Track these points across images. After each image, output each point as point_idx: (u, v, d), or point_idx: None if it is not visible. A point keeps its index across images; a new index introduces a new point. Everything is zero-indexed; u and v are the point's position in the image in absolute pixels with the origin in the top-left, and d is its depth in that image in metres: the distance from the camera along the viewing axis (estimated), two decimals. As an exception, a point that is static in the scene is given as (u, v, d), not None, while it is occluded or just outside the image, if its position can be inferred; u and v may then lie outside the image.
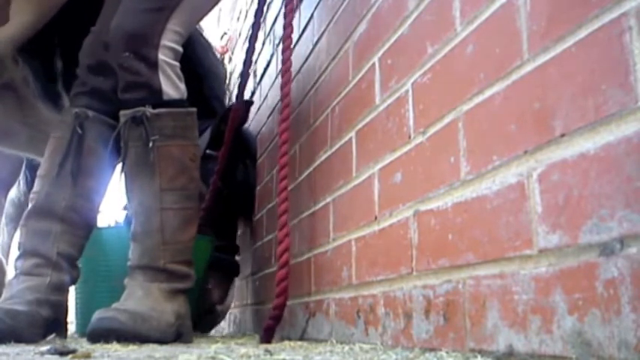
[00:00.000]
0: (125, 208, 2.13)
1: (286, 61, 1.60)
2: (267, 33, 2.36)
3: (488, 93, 0.82)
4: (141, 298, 1.45)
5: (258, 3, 2.00)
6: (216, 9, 1.94)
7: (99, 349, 1.15)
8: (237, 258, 2.32)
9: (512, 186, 0.75)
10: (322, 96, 1.53)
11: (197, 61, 2.19)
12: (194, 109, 1.60)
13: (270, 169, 2.05)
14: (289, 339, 1.51)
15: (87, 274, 1.75)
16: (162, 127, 1.53)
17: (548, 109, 0.70)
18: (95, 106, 1.69)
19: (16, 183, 2.66)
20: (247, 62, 2.07)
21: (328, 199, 1.40)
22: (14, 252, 2.23)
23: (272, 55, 2.23)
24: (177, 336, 1.48)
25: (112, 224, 2.15)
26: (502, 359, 0.73)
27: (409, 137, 1.03)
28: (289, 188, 1.70)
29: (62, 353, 1.00)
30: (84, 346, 1.26)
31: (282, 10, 1.88)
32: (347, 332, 1.22)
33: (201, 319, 2.05)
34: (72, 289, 1.79)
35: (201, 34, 2.38)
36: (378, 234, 1.13)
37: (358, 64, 1.30)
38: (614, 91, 0.60)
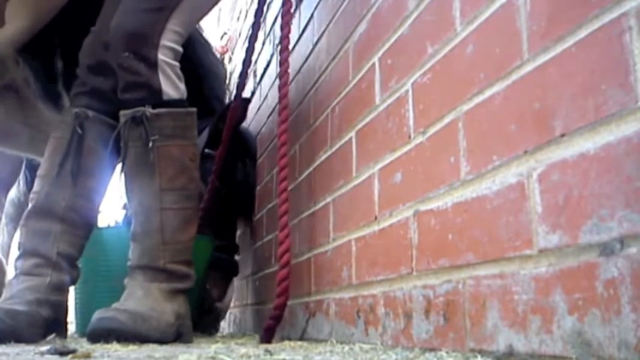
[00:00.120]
0: (125, 207, 2.13)
1: (284, 63, 1.60)
2: (267, 33, 2.36)
3: (488, 93, 0.82)
4: (141, 298, 1.45)
5: (258, 3, 1.99)
6: (216, 9, 1.94)
7: (99, 349, 1.15)
8: (237, 257, 2.32)
9: (512, 186, 0.75)
10: (322, 96, 1.53)
11: (197, 61, 2.19)
12: (194, 109, 1.60)
13: (270, 169, 2.05)
14: (289, 339, 1.51)
15: (87, 274, 1.75)
16: (162, 127, 1.53)
17: (548, 109, 0.70)
18: (95, 106, 1.69)
19: (16, 183, 2.66)
20: (247, 62, 2.07)
21: (328, 199, 1.40)
22: (14, 252, 2.23)
23: (272, 55, 2.23)
24: (177, 336, 1.48)
25: (112, 224, 2.15)
26: (502, 359, 0.73)
27: (409, 137, 1.03)
28: (289, 188, 1.70)
29: (62, 353, 1.00)
30: (84, 346, 1.26)
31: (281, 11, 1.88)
32: (347, 332, 1.22)
33: (201, 319, 2.04)
34: (71, 289, 1.79)
35: (201, 34, 2.38)
36: (378, 234, 1.13)
37: (358, 64, 1.30)
38: (614, 91, 0.60)
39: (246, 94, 2.67)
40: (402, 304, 1.00)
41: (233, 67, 3.23)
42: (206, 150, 2.14)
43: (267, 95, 2.26)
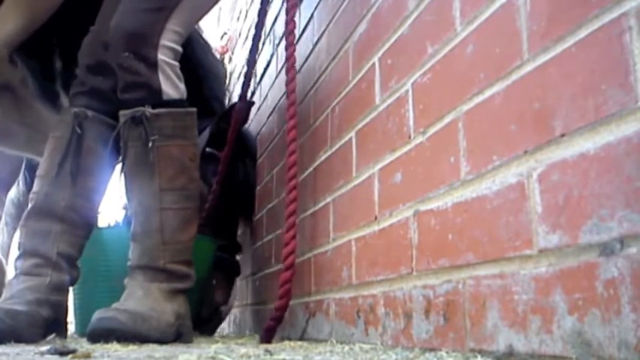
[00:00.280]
0: (125, 207, 2.13)
1: (290, 58, 1.57)
2: (267, 33, 2.36)
3: (488, 93, 0.82)
4: (141, 298, 1.45)
5: (261, 3, 1.99)
6: (216, 9, 1.93)
7: (99, 349, 1.15)
8: (238, 257, 2.32)
9: (512, 186, 0.75)
10: (322, 96, 1.53)
11: (197, 62, 2.19)
12: (194, 109, 1.59)
13: (271, 169, 2.05)
14: (289, 339, 1.51)
15: (87, 274, 1.75)
16: (162, 127, 1.53)
17: (548, 109, 0.70)
18: (94, 105, 1.69)
19: (16, 183, 2.66)
20: (251, 62, 2.06)
21: (328, 199, 1.40)
22: (14, 252, 2.23)
23: (272, 55, 2.23)
24: (177, 336, 1.48)
25: (112, 224, 2.15)
26: (502, 359, 0.73)
27: (409, 137, 1.03)
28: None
29: (62, 353, 1.00)
30: (84, 346, 1.26)
31: (283, 8, 1.88)
32: (347, 332, 1.22)
33: (207, 321, 2.05)
34: (71, 289, 1.79)
35: (201, 35, 2.38)
36: (378, 234, 1.13)
37: (358, 64, 1.30)
38: (614, 91, 0.60)
39: (247, 94, 2.67)
40: (402, 304, 1.00)
41: (233, 67, 3.23)
42: (207, 149, 2.14)
43: (267, 95, 2.26)
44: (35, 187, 1.64)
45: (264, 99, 2.30)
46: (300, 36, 1.79)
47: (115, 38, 1.57)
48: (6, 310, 1.43)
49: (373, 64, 1.22)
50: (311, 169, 1.56)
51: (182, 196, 1.55)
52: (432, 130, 0.96)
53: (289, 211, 1.43)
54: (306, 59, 1.70)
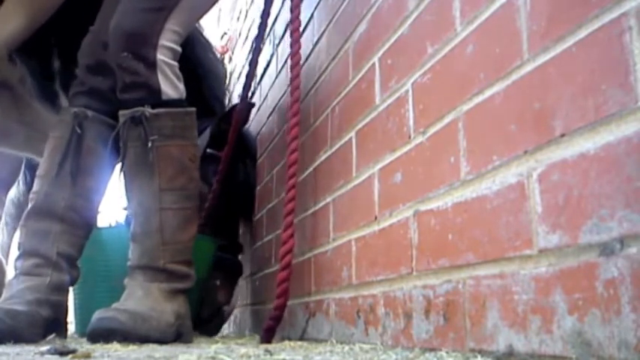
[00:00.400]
0: (126, 208, 2.13)
1: (295, 55, 1.57)
2: (267, 33, 2.36)
3: (488, 93, 0.82)
4: (141, 298, 1.45)
5: (265, 4, 1.98)
6: (216, 9, 1.93)
7: (99, 349, 1.15)
8: (240, 258, 2.32)
9: (512, 186, 0.75)
10: (322, 96, 1.53)
11: (196, 61, 2.19)
12: (193, 109, 1.59)
13: (271, 169, 2.05)
14: (289, 339, 1.51)
15: (86, 274, 1.75)
16: (162, 127, 1.53)
17: (548, 109, 0.70)
18: (94, 105, 1.69)
19: (16, 183, 2.66)
20: (253, 63, 2.05)
21: (328, 199, 1.40)
22: (14, 252, 2.23)
23: (272, 55, 2.23)
24: (177, 336, 1.48)
25: (112, 224, 2.15)
26: (502, 359, 0.73)
27: (409, 137, 1.03)
28: (289, 188, 1.70)
29: (62, 353, 1.00)
30: (84, 346, 1.26)
31: (283, 8, 1.88)
32: (347, 332, 1.22)
33: (209, 321, 2.05)
34: (71, 289, 1.79)
35: (201, 34, 2.38)
36: (378, 234, 1.13)
37: (358, 64, 1.30)
38: (614, 91, 0.60)
39: (248, 95, 2.67)
40: (402, 304, 1.00)
41: (233, 67, 3.23)
42: (208, 150, 2.15)
43: (267, 95, 2.26)
44: (35, 187, 1.64)
45: (264, 99, 2.30)
46: (300, 36, 1.79)
47: (114, 38, 1.57)
48: (6, 310, 1.43)
49: (373, 64, 1.22)
50: (311, 168, 1.56)
51: (182, 196, 1.55)
52: (432, 130, 0.96)
53: (287, 210, 1.43)
54: (306, 59, 1.70)
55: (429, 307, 0.92)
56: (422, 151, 0.99)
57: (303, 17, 1.77)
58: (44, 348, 1.09)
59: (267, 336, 1.41)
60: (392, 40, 1.14)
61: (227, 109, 2.30)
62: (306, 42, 1.73)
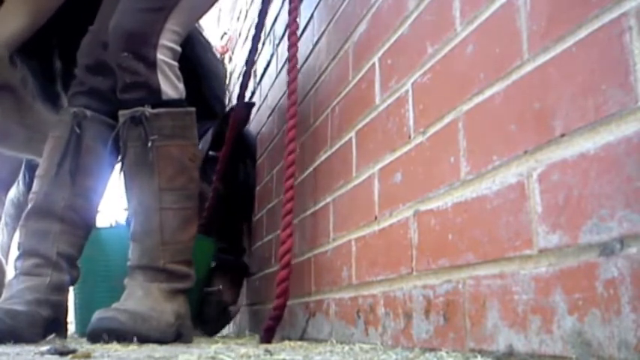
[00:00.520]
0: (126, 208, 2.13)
1: (292, 58, 1.58)
2: (267, 33, 2.36)
3: (488, 93, 0.82)
4: (141, 298, 1.45)
5: (262, 3, 1.99)
6: (216, 9, 1.93)
7: (99, 349, 1.15)
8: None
9: (512, 186, 0.75)
10: (322, 96, 1.53)
11: (196, 61, 2.19)
12: (193, 109, 1.60)
13: (271, 169, 2.05)
14: (289, 339, 1.51)
15: (86, 274, 1.75)
16: (161, 127, 1.53)
17: (548, 109, 0.70)
18: (94, 105, 1.69)
19: (16, 183, 2.66)
20: (250, 63, 2.07)
21: (328, 199, 1.40)
22: (14, 252, 2.24)
23: (272, 55, 2.23)
24: (177, 336, 1.48)
25: (113, 224, 2.15)
26: (502, 359, 0.73)
27: (409, 137, 1.03)
28: (289, 188, 1.70)
29: (62, 353, 1.00)
30: (84, 346, 1.26)
31: (283, 9, 1.88)
32: (347, 332, 1.22)
33: (215, 321, 2.07)
34: (71, 289, 1.79)
35: (201, 34, 2.38)
36: (378, 234, 1.13)
37: (358, 64, 1.30)
38: (614, 91, 0.60)
39: (247, 94, 2.67)
40: (402, 304, 1.00)
41: (233, 67, 3.23)
42: (210, 152, 2.16)
43: (267, 95, 2.26)
44: (35, 187, 1.64)
45: (264, 99, 2.30)
46: (300, 36, 1.79)
47: (114, 38, 1.57)
48: (6, 310, 1.43)
49: (373, 64, 1.22)
50: (311, 168, 1.56)
51: (182, 196, 1.55)
52: (432, 130, 0.96)
53: (286, 210, 1.44)
54: (306, 59, 1.70)
55: (429, 307, 0.92)
56: (422, 151, 0.99)
57: (303, 17, 1.77)
58: (44, 348, 1.09)
59: (267, 336, 1.41)
60: (392, 40, 1.14)
61: (227, 109, 2.30)
62: (306, 42, 1.73)
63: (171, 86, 1.56)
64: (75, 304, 1.96)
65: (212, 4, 1.71)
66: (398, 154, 1.07)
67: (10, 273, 2.09)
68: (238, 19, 3.24)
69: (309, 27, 1.71)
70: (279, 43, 2.11)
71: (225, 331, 2.68)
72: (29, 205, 1.62)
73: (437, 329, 0.89)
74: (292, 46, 1.59)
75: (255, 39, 2.03)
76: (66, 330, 1.65)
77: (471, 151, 0.85)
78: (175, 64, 1.58)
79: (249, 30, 2.77)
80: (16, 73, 2.05)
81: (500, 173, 0.78)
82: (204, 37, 2.41)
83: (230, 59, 3.33)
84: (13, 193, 2.68)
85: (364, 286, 1.16)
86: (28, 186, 2.49)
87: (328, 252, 1.37)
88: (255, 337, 1.70)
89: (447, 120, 0.92)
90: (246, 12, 2.92)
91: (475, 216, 0.82)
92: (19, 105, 2.12)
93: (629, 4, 0.59)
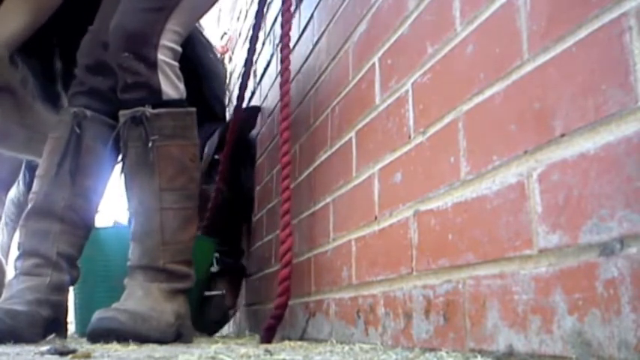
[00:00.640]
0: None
1: (285, 60, 1.60)
2: (267, 33, 2.36)
3: (488, 93, 0.82)
4: (141, 298, 1.45)
5: (259, 4, 2.00)
6: (216, 9, 1.94)
7: (99, 349, 1.15)
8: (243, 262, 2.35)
9: (512, 186, 0.75)
10: (322, 96, 1.53)
11: (197, 61, 2.20)
12: (193, 109, 1.60)
13: (270, 169, 2.05)
14: (289, 339, 1.51)
15: (86, 274, 1.75)
16: (162, 127, 1.53)
17: (548, 109, 0.70)
18: (94, 105, 1.69)
19: (16, 183, 2.66)
20: (248, 63, 2.08)
21: (328, 199, 1.40)
22: (14, 252, 2.24)
23: (272, 55, 2.23)
24: (177, 336, 1.48)
25: (113, 224, 2.15)
26: (502, 359, 0.73)
27: (409, 137, 1.03)
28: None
29: (62, 353, 1.00)
30: (84, 346, 1.26)
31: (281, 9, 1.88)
32: (347, 332, 1.22)
33: (218, 324, 2.10)
34: (71, 289, 1.79)
35: (202, 33, 2.38)
36: (378, 234, 1.13)
37: (358, 64, 1.30)
38: (614, 91, 0.60)
39: (246, 94, 2.67)
40: (402, 304, 1.00)
41: (233, 67, 3.23)
42: (216, 156, 2.18)
43: (267, 95, 2.26)
44: (35, 187, 1.64)
45: (264, 99, 2.30)
46: (300, 36, 1.79)
47: (114, 38, 1.57)
48: (6, 310, 1.43)
49: (373, 64, 1.22)
50: (311, 169, 1.56)
51: (182, 196, 1.55)
52: (432, 130, 0.96)
53: (283, 210, 1.45)
54: (306, 59, 1.70)
55: (429, 307, 0.92)
56: (422, 151, 0.99)
57: (304, 17, 1.77)
58: (44, 348, 1.09)
59: (268, 335, 1.41)
60: (392, 40, 1.14)
61: (230, 112, 2.31)
62: (306, 42, 1.73)
63: (171, 86, 1.56)
64: (75, 304, 1.96)
65: (212, 4, 1.71)
66: (398, 154, 1.07)
67: (10, 273, 2.09)
68: (238, 19, 3.24)
69: (309, 27, 1.71)
70: (279, 43, 2.11)
71: (225, 331, 2.69)
72: (29, 205, 1.62)
73: (437, 329, 0.89)
74: (285, 48, 1.60)
75: (253, 40, 2.04)
76: (66, 330, 1.65)
77: (471, 151, 0.85)
78: (176, 64, 1.58)
79: (249, 30, 2.77)
80: (16, 73, 2.05)
81: (500, 173, 0.78)
82: (204, 37, 2.41)
83: (230, 59, 3.33)
84: (14, 193, 2.68)
85: (364, 286, 1.16)
86: (29, 186, 2.49)
87: (328, 252, 1.37)
88: (255, 337, 1.70)
89: (447, 120, 0.92)
90: (246, 12, 2.92)
91: (475, 216, 0.82)
92: (19, 105, 2.12)
93: (629, 4, 0.59)
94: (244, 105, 2.20)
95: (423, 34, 1.02)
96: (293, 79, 1.80)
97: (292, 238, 1.44)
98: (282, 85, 1.57)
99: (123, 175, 1.58)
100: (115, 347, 1.23)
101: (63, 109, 1.79)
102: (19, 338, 1.39)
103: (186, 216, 1.56)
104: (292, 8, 1.67)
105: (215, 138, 2.20)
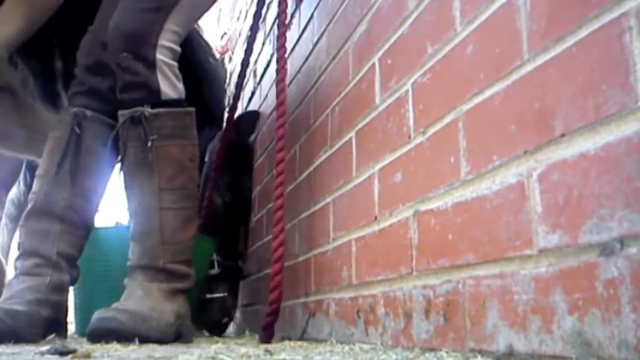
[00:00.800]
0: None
1: (280, 59, 1.60)
2: (267, 33, 2.36)
3: (488, 93, 0.82)
4: (141, 298, 1.45)
5: (257, 5, 2.00)
6: (216, 9, 1.94)
7: (99, 349, 1.15)
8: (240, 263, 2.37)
9: (512, 186, 0.75)
10: (322, 96, 1.53)
11: (197, 64, 2.20)
12: (192, 109, 1.59)
13: (270, 169, 2.05)
14: (289, 339, 1.51)
15: (86, 274, 1.75)
16: (161, 127, 1.53)
17: (548, 109, 0.70)
18: (93, 105, 1.69)
19: (16, 183, 2.66)
20: (245, 63, 2.10)
21: (328, 199, 1.40)
22: (14, 252, 2.24)
23: (272, 56, 2.23)
24: (177, 336, 1.48)
25: (113, 224, 2.15)
26: (502, 359, 0.73)
27: (409, 137, 1.03)
28: (289, 188, 1.70)
29: (62, 353, 1.00)
30: (84, 346, 1.26)
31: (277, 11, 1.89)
32: (347, 332, 1.22)
33: (220, 324, 2.12)
34: (71, 289, 1.79)
35: (201, 36, 2.38)
36: (378, 234, 1.13)
37: (358, 64, 1.30)
38: (614, 91, 0.60)
39: (245, 94, 2.68)
40: (402, 304, 1.00)
41: (233, 67, 3.23)
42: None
43: (267, 95, 2.26)
44: (35, 187, 1.64)
45: (264, 99, 2.30)
46: (300, 36, 1.79)
47: (113, 38, 1.57)
48: (6, 310, 1.43)
49: (373, 64, 1.22)
50: (311, 168, 1.56)
51: (182, 196, 1.55)
52: (432, 130, 0.96)
53: (277, 206, 1.46)
54: (306, 59, 1.70)
55: (429, 307, 0.92)
56: (422, 151, 0.99)
57: (304, 17, 1.77)
58: (44, 348, 1.09)
59: (267, 334, 1.41)
60: (392, 40, 1.14)
61: (232, 117, 2.32)
62: (306, 42, 1.73)
63: (170, 86, 1.56)
64: (75, 304, 1.96)
65: (212, 4, 1.71)
66: (398, 154, 1.07)
67: (10, 273, 2.09)
68: (238, 19, 3.24)
69: (309, 27, 1.71)
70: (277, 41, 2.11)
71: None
72: (29, 205, 1.62)
73: (437, 329, 0.89)
74: (280, 48, 1.61)
75: (250, 40, 2.04)
76: (66, 330, 1.64)
77: (471, 151, 0.85)
78: (175, 64, 1.58)
79: (248, 31, 2.77)
80: (16, 74, 2.05)
81: (500, 173, 0.78)
82: (204, 40, 2.40)
83: (230, 59, 3.33)
84: (14, 193, 2.68)
85: (364, 286, 1.16)
86: (29, 186, 2.49)
87: (328, 252, 1.37)
88: (255, 336, 1.70)
89: (447, 120, 0.92)
90: (246, 12, 2.92)
91: (475, 216, 0.82)
92: (19, 106, 2.12)
93: (629, 4, 0.59)
94: (244, 105, 2.21)
95: (423, 34, 1.02)
96: (293, 79, 1.80)
97: (285, 233, 1.45)
98: (277, 84, 1.58)
99: (122, 175, 1.58)
100: (115, 347, 1.23)
101: (63, 109, 1.79)
102: (19, 338, 1.39)
103: (186, 216, 1.55)
104: (289, 10, 1.67)
105: (216, 141, 2.22)
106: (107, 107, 1.67)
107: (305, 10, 1.77)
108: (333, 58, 1.46)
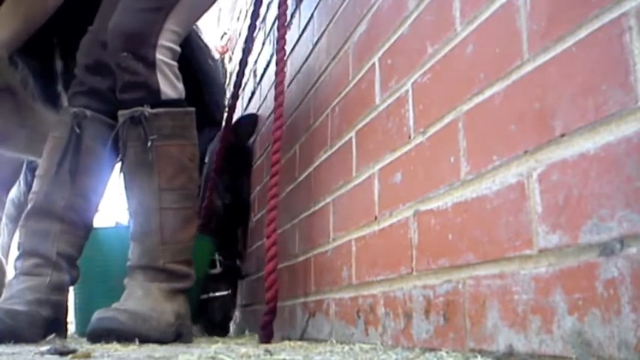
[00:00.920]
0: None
1: (280, 62, 1.60)
2: (267, 33, 2.36)
3: (488, 93, 0.82)
4: (141, 298, 1.45)
5: (254, 5, 2.01)
6: (215, 9, 1.94)
7: (99, 349, 1.15)
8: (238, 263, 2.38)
9: (512, 186, 0.75)
10: (322, 96, 1.53)
11: (197, 66, 2.20)
12: (192, 109, 1.60)
13: (269, 171, 2.05)
14: (289, 339, 1.51)
15: (86, 274, 1.75)
16: (161, 127, 1.53)
17: (548, 109, 0.70)
18: (93, 105, 1.69)
19: (17, 183, 2.66)
20: (243, 63, 2.10)
21: (328, 199, 1.40)
22: (14, 252, 2.24)
23: (272, 55, 2.23)
24: (177, 336, 1.48)
25: (113, 224, 2.15)
26: (502, 359, 0.73)
27: (409, 137, 1.03)
28: (289, 188, 1.70)
29: (62, 353, 1.00)
30: (84, 346, 1.26)
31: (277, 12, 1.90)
32: (347, 332, 1.22)
33: (220, 324, 2.13)
34: (71, 289, 1.79)
35: (200, 37, 2.38)
36: (378, 234, 1.13)
37: (358, 64, 1.30)
38: (614, 91, 0.60)
39: (245, 94, 2.68)
40: (402, 304, 1.00)
41: (233, 67, 3.23)
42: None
43: (266, 96, 2.26)
44: (34, 187, 1.64)
45: (264, 100, 2.30)
46: (300, 36, 1.79)
47: (113, 38, 1.57)
48: (6, 310, 1.43)
49: (373, 64, 1.22)
50: (311, 168, 1.56)
51: (182, 196, 1.55)
52: (432, 130, 0.96)
53: (270, 206, 1.47)
54: (306, 59, 1.70)
55: (429, 307, 0.92)
56: (422, 151, 0.99)
57: (304, 17, 1.77)
58: (44, 348, 1.09)
59: (266, 333, 1.41)
60: (392, 40, 1.14)
61: (231, 116, 2.33)
62: (306, 42, 1.73)
63: (170, 86, 1.56)
64: (75, 304, 1.96)
65: (212, 4, 1.71)
66: (398, 154, 1.07)
67: (10, 273, 2.09)
68: (238, 19, 3.24)
69: (309, 27, 1.71)
70: (276, 42, 2.11)
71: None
72: (29, 205, 1.62)
73: (437, 329, 0.89)
74: (280, 50, 1.62)
75: (248, 40, 2.05)
76: (66, 330, 1.64)
77: (471, 151, 0.85)
78: (175, 64, 1.58)
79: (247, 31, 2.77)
80: (16, 74, 2.05)
81: (500, 173, 0.78)
82: (202, 41, 2.40)
83: (230, 59, 3.34)
84: (14, 193, 2.68)
85: (364, 286, 1.16)
86: (29, 186, 2.49)
87: (328, 252, 1.37)
88: (255, 336, 1.70)
89: (447, 120, 0.92)
90: (246, 12, 2.92)
91: (475, 216, 0.82)
92: (19, 106, 2.12)
93: (629, 4, 0.59)
94: (244, 106, 2.22)
95: (423, 34, 1.02)
96: (293, 79, 1.80)
97: (276, 234, 1.44)
98: (276, 86, 1.58)
99: (122, 175, 1.58)
100: (115, 347, 1.23)
101: (63, 109, 1.79)
102: (19, 338, 1.39)
103: (186, 215, 1.56)
104: (289, 10, 1.67)
105: (216, 142, 2.22)
106: (107, 107, 1.67)
107: (305, 10, 1.77)
108: (333, 58, 1.46)
